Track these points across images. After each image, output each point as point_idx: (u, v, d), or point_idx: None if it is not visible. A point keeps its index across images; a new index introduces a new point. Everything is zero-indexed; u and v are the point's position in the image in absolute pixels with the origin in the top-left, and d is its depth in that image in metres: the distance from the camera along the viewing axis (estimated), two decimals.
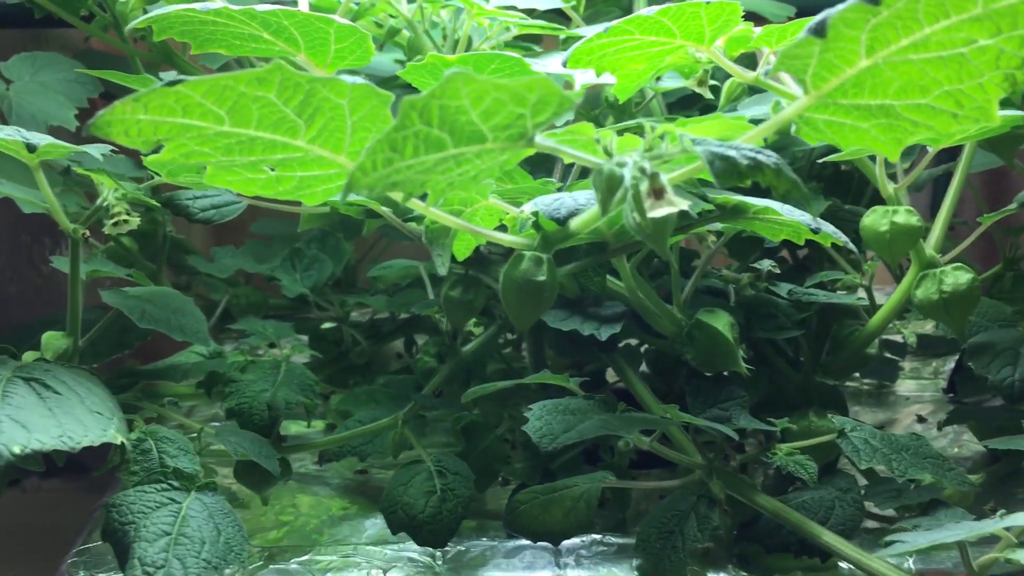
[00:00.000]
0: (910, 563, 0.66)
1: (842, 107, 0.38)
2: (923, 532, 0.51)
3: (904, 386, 0.99)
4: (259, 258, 0.99)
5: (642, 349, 0.81)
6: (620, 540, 0.69)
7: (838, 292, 0.75)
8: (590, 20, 0.96)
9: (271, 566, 0.66)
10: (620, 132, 0.42)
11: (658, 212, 0.37)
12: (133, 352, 0.78)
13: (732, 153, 0.36)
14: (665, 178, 0.38)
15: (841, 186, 0.89)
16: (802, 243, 0.57)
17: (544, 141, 0.37)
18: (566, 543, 0.68)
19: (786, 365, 0.76)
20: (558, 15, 0.95)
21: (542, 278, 0.47)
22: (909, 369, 1.02)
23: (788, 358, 0.77)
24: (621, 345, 0.76)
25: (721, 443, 0.67)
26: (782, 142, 0.80)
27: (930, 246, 0.70)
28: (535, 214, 0.49)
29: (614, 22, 0.58)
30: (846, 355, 0.74)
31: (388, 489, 0.65)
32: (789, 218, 0.50)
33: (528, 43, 0.89)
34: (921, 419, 0.90)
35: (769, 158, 0.37)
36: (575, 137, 0.40)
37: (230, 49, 0.63)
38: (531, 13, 0.89)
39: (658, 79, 0.76)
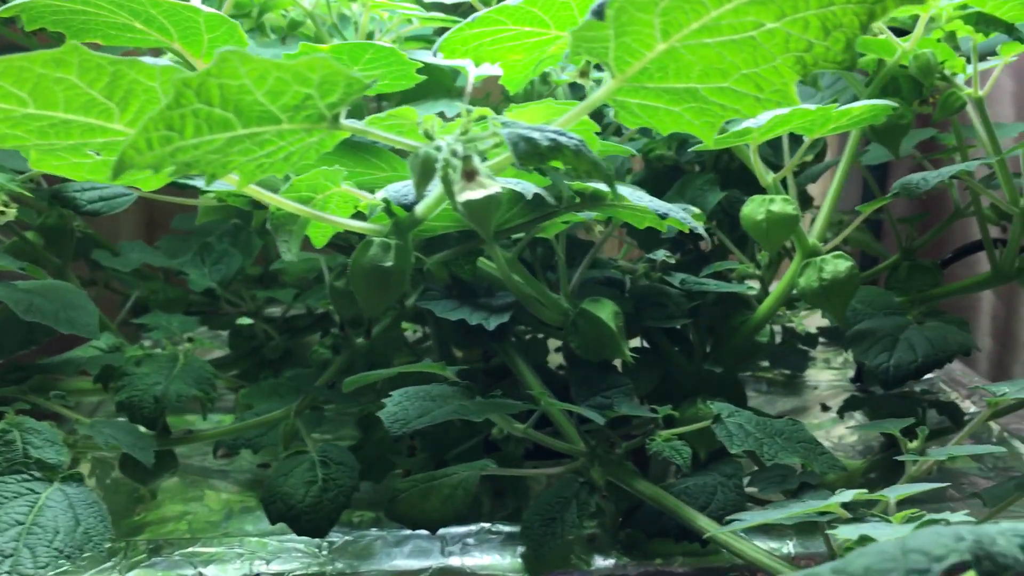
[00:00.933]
0: (790, 547, 0.67)
1: (652, 91, 0.39)
2: (761, 511, 0.52)
3: (815, 375, 1.00)
4: (174, 253, 0.99)
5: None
6: (508, 528, 0.69)
7: (733, 282, 0.76)
8: None
9: (154, 558, 0.66)
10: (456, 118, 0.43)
11: (469, 195, 0.38)
12: (43, 347, 0.77)
13: (535, 135, 0.37)
14: (478, 161, 0.38)
15: (747, 178, 0.90)
16: (664, 229, 0.58)
17: (351, 123, 0.37)
18: (453, 531, 0.68)
19: (678, 354, 0.77)
20: (470, 8, 0.95)
21: (389, 263, 0.48)
22: (821, 359, 1.03)
23: (683, 347, 0.78)
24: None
25: (606, 431, 0.68)
26: None
27: (813, 235, 0.71)
28: (386, 200, 0.49)
29: (482, 12, 0.59)
30: (735, 343, 0.75)
31: (269, 479, 0.65)
32: (637, 204, 0.51)
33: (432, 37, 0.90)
34: (825, 407, 0.91)
35: (571, 140, 0.37)
36: (399, 122, 0.40)
37: (106, 39, 0.63)
38: (436, 7, 0.90)
39: (563, 70, 0.76)
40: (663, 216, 0.51)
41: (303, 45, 0.59)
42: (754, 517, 0.48)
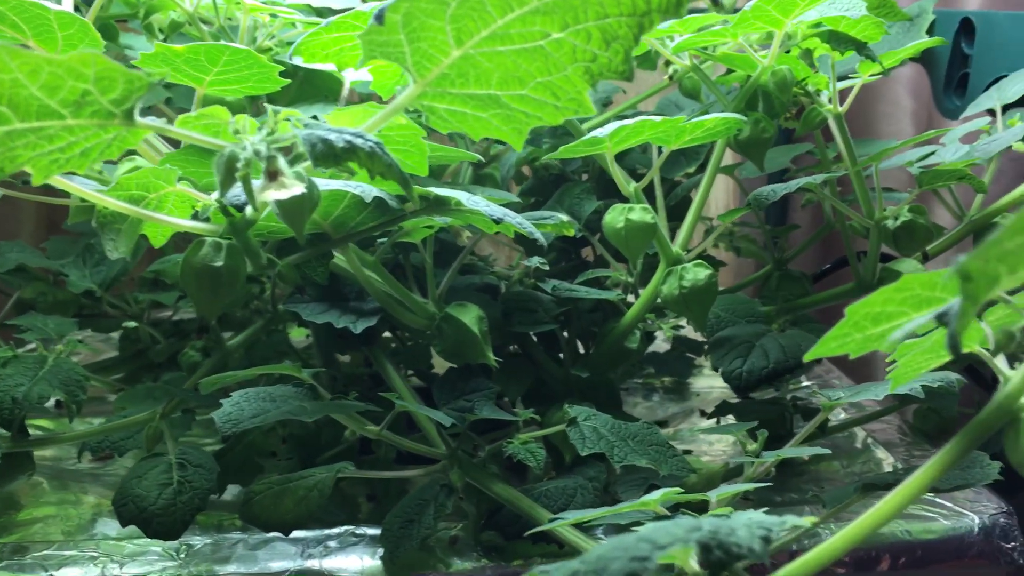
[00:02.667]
0: None
1: (457, 97, 0.40)
2: (588, 511, 0.53)
3: (704, 382, 1.02)
4: (61, 254, 0.97)
5: None
6: (373, 531, 0.70)
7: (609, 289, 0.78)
8: None
9: (6, 561, 0.65)
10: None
11: (272, 195, 0.38)
12: None
13: (332, 137, 0.37)
14: (283, 161, 0.39)
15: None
16: (492, 232, 0.59)
17: (149, 122, 0.38)
18: (315, 534, 0.68)
19: (549, 359, 0.78)
20: None
21: (219, 264, 0.48)
22: (708, 367, 1.05)
23: (556, 353, 0.79)
24: None
25: (470, 434, 0.68)
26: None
27: (677, 244, 0.72)
28: (219, 201, 0.49)
29: (338, 16, 0.59)
30: (603, 349, 0.76)
31: (122, 481, 0.64)
32: (473, 208, 0.52)
33: None
34: (703, 413, 0.93)
35: (367, 142, 0.38)
36: (210, 121, 0.41)
37: None
38: (327, 12, 0.90)
39: None
40: (497, 221, 0.52)
41: (159, 45, 0.59)
42: (576, 515, 0.49)
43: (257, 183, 0.39)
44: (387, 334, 0.87)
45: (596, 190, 0.82)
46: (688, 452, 0.85)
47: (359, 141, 0.38)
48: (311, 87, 0.84)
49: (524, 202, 0.93)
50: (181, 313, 0.99)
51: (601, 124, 0.79)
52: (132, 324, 0.95)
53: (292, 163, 0.40)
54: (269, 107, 0.40)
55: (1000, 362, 0.42)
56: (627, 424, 0.66)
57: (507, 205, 0.82)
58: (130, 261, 0.91)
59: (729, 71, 0.78)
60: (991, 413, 0.40)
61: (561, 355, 0.81)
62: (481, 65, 0.38)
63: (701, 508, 0.54)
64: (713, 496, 0.50)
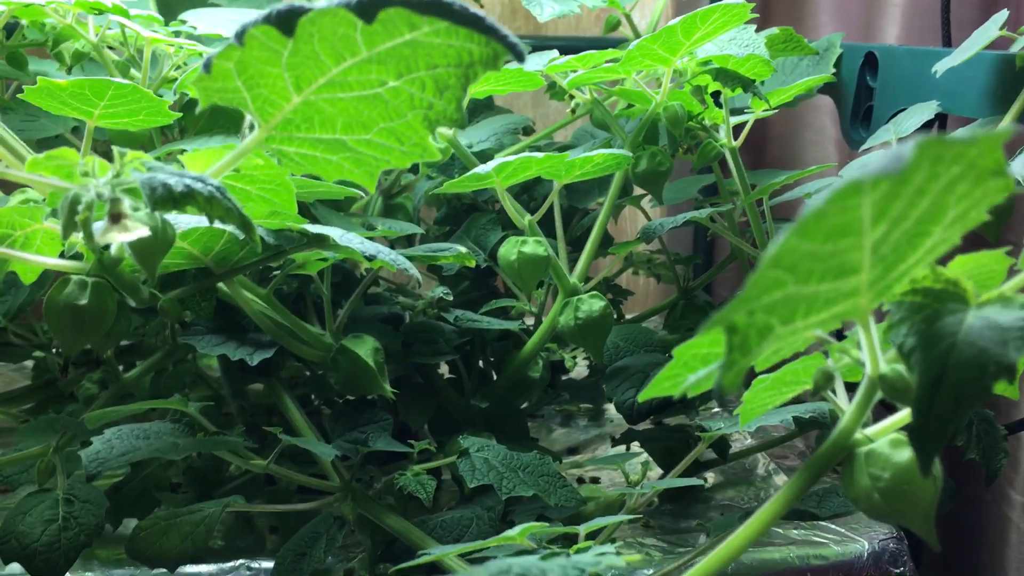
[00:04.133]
0: None
1: (305, 141, 0.40)
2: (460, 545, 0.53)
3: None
4: None
5: None
6: (268, 564, 0.69)
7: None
8: None
9: None
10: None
11: (116, 237, 0.38)
12: None
13: (172, 181, 0.38)
14: (127, 204, 0.39)
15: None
16: (375, 267, 0.59)
17: None
18: (208, 568, 0.68)
19: (450, 389, 0.79)
20: None
21: (83, 302, 0.48)
22: None
23: (454, 383, 0.80)
24: None
25: (358, 465, 0.68)
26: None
27: (575, 276, 0.73)
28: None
29: (225, 45, 0.59)
30: (505, 379, 0.77)
31: (6, 518, 0.63)
32: (346, 245, 0.52)
33: None
34: (614, 439, 0.94)
35: (206, 187, 0.38)
36: (65, 162, 0.41)
37: None
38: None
39: None
40: (370, 258, 0.53)
41: (42, 80, 0.59)
42: (456, 548, 0.50)
43: (99, 225, 0.39)
44: (298, 363, 0.87)
45: (503, 219, 0.83)
46: (596, 480, 0.85)
47: (198, 186, 0.38)
48: (224, 116, 0.84)
49: (439, 230, 0.94)
50: None
51: (519, 151, 0.81)
52: (39, 354, 0.94)
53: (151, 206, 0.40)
54: (116, 149, 0.40)
55: (840, 398, 0.43)
56: (520, 455, 0.66)
57: (411, 235, 0.83)
58: (36, 290, 0.90)
59: (630, 105, 0.80)
60: (829, 448, 0.41)
61: (466, 383, 0.81)
62: (324, 111, 0.39)
63: (591, 536, 0.55)
64: (582, 529, 0.50)
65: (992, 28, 0.77)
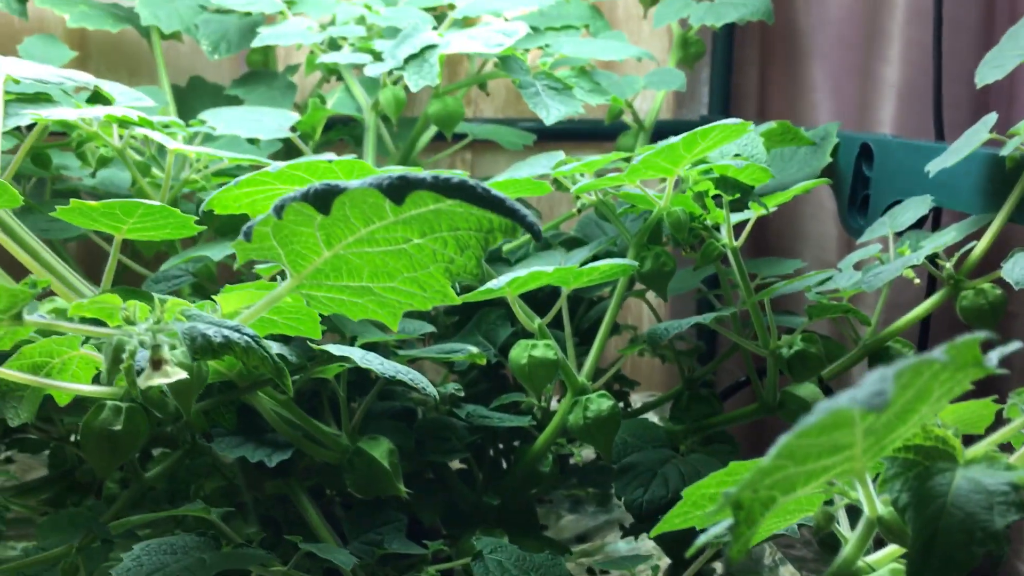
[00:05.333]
0: None
1: (334, 287, 0.43)
2: None
3: None
4: None
5: None
6: None
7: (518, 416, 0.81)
8: (319, 149, 1.01)
9: None
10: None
11: (153, 381, 0.41)
12: None
13: (211, 332, 0.40)
14: (167, 350, 0.41)
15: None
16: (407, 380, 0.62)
17: (35, 319, 0.40)
18: None
19: (462, 484, 0.80)
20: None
21: (118, 428, 0.50)
22: None
23: (466, 478, 0.81)
24: None
25: (375, 564, 0.70)
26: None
27: (583, 375, 0.76)
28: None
29: (247, 174, 0.63)
30: (516, 474, 0.78)
31: None
32: (365, 365, 0.55)
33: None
34: (623, 527, 0.95)
35: (242, 337, 0.41)
36: (106, 306, 0.44)
37: None
38: (254, 142, 0.94)
39: None
40: (389, 378, 0.55)
41: (75, 202, 0.62)
42: None
43: (141, 362, 0.41)
44: None
45: (512, 314, 0.85)
46: (605, 573, 0.87)
47: (235, 336, 0.41)
48: (235, 219, 0.87)
49: (448, 319, 0.97)
50: None
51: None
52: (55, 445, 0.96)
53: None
54: (156, 297, 0.43)
55: (843, 527, 0.45)
56: (532, 557, 0.68)
57: (424, 334, 0.85)
58: None
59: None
60: (832, 574, 0.43)
61: (477, 477, 0.83)
62: (352, 262, 0.41)
63: None
64: None
65: (982, 131, 0.80)
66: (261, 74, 1.18)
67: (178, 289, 0.81)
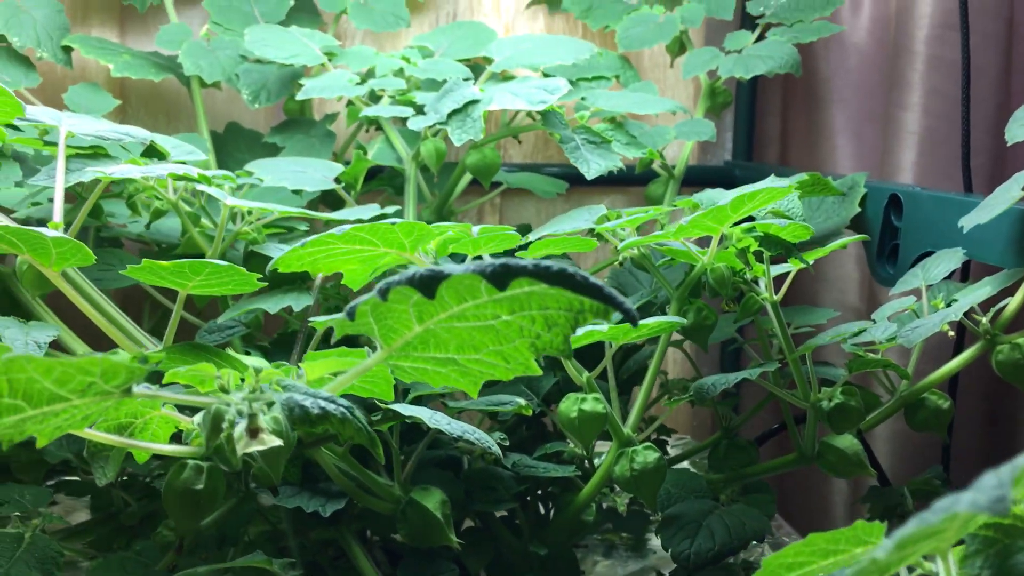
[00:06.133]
0: None
1: (420, 358, 0.45)
2: None
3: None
4: None
5: None
6: None
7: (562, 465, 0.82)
8: (362, 200, 1.04)
9: None
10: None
11: (251, 448, 0.43)
12: None
13: (308, 403, 0.42)
14: (263, 418, 0.43)
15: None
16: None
17: (144, 391, 0.42)
18: None
19: (508, 534, 0.82)
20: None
21: (200, 487, 0.52)
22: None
23: (512, 527, 0.83)
24: None
25: None
26: None
27: (628, 426, 0.77)
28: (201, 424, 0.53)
29: (313, 236, 0.65)
30: (561, 524, 0.80)
31: None
32: (434, 424, 0.57)
33: (296, 222, 0.96)
34: (660, 575, 0.96)
35: (338, 407, 0.43)
36: (200, 373, 0.46)
37: None
38: (300, 193, 0.96)
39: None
40: (456, 439, 0.57)
41: (146, 261, 0.64)
42: None
43: (239, 430, 0.43)
44: None
45: (554, 362, 0.87)
46: None
47: (332, 407, 0.43)
48: (276, 276, 0.89)
49: None
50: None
51: None
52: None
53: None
54: (251, 366, 0.45)
55: None
56: None
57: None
58: None
59: None
60: None
61: (523, 526, 0.84)
62: (440, 336, 0.43)
63: None
64: None
65: (1015, 188, 0.82)
66: (299, 122, 1.21)
67: (229, 341, 0.83)
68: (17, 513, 0.94)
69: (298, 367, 0.49)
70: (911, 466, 1.20)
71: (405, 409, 0.58)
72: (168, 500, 0.52)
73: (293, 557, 0.85)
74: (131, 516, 0.96)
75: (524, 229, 1.03)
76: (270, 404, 0.44)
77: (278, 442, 0.43)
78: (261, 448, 0.43)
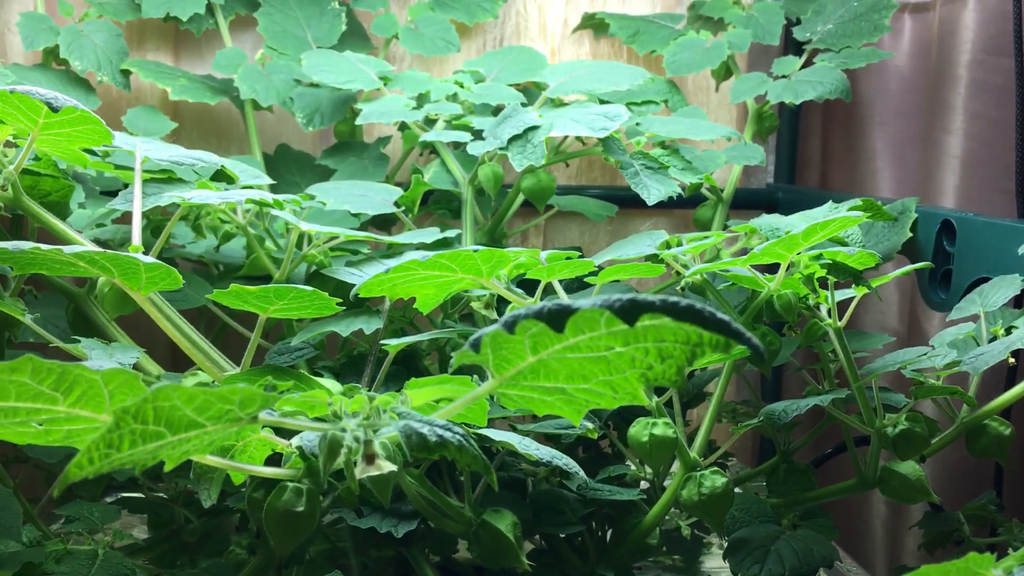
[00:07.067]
0: None
1: (528, 387, 0.46)
2: None
3: (710, 562, 1.06)
4: None
5: None
6: None
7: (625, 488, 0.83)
8: (425, 222, 1.06)
9: None
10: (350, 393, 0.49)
11: (367, 474, 0.44)
12: None
13: (425, 430, 0.43)
14: (378, 444, 0.45)
15: None
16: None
17: (267, 416, 0.44)
18: None
19: (575, 556, 0.83)
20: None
21: (300, 508, 0.53)
22: (717, 544, 1.09)
23: (578, 549, 0.84)
24: None
25: None
26: None
27: (694, 450, 0.78)
28: (300, 448, 0.55)
29: (396, 262, 0.67)
30: (626, 548, 0.81)
31: None
32: (525, 452, 0.58)
33: (359, 245, 0.98)
34: None
35: (455, 435, 0.44)
36: (313, 400, 0.47)
37: (51, 270, 0.69)
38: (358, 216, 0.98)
39: None
40: (547, 464, 0.58)
41: (234, 286, 0.66)
42: None
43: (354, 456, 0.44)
44: None
45: None
46: None
47: (448, 435, 0.44)
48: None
49: None
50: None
51: None
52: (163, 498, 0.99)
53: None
54: (363, 393, 0.46)
55: None
56: None
57: None
58: None
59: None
60: None
61: (577, 550, 0.85)
62: (551, 366, 0.44)
63: None
64: None
65: None
66: (351, 145, 1.23)
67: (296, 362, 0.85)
68: (77, 531, 0.95)
69: (402, 393, 0.50)
70: (960, 491, 1.20)
71: (495, 434, 0.59)
72: (269, 521, 0.54)
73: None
74: (192, 533, 0.98)
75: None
76: (376, 430, 0.45)
77: (393, 468, 0.44)
78: (377, 473, 0.44)
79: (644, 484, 0.86)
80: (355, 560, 0.89)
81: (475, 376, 0.56)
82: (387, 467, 0.44)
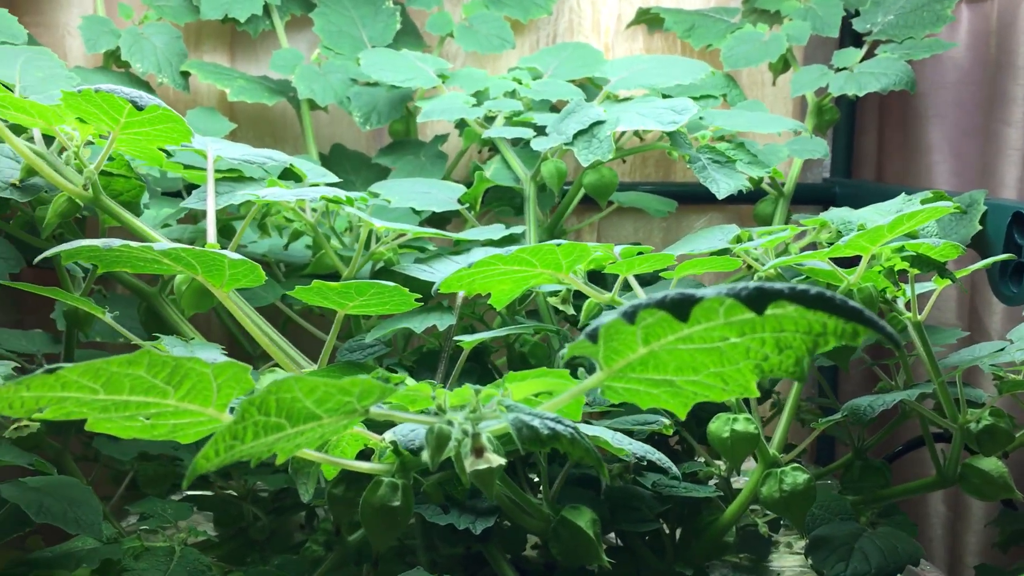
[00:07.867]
0: None
1: (634, 379, 0.45)
2: None
3: (779, 560, 1.05)
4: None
5: None
6: None
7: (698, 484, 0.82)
8: (482, 219, 1.05)
9: None
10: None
11: (477, 467, 0.44)
12: (37, 528, 0.80)
13: (536, 423, 0.43)
14: (485, 437, 0.44)
15: None
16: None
17: (378, 410, 0.44)
18: None
19: (651, 554, 0.82)
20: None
21: (397, 503, 0.53)
22: (784, 543, 1.08)
23: (653, 546, 0.83)
24: None
25: None
26: None
27: (773, 447, 0.77)
28: (394, 443, 0.55)
29: (480, 256, 0.66)
30: (703, 545, 0.80)
31: None
32: (619, 447, 0.57)
33: (423, 242, 0.97)
34: None
35: (566, 428, 0.44)
36: (415, 394, 0.47)
37: (134, 268, 0.69)
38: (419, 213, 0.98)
39: None
40: (639, 459, 0.58)
41: (316, 283, 0.66)
42: None
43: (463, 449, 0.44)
44: None
45: None
46: None
47: (560, 428, 0.43)
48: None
49: None
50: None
51: None
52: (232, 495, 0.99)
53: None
54: (469, 387, 0.46)
55: None
56: None
57: None
58: None
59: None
60: None
61: (653, 547, 0.84)
62: (660, 358, 0.44)
63: None
64: None
65: None
66: (407, 143, 1.23)
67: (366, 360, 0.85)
68: (145, 527, 0.96)
69: (502, 387, 0.49)
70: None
71: (588, 429, 0.59)
72: (366, 516, 0.53)
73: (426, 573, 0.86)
74: (261, 531, 0.98)
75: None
76: (480, 423, 0.45)
77: (501, 460, 0.44)
78: (486, 466, 0.43)
79: (712, 481, 0.86)
80: (424, 557, 0.89)
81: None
82: (496, 460, 0.44)
